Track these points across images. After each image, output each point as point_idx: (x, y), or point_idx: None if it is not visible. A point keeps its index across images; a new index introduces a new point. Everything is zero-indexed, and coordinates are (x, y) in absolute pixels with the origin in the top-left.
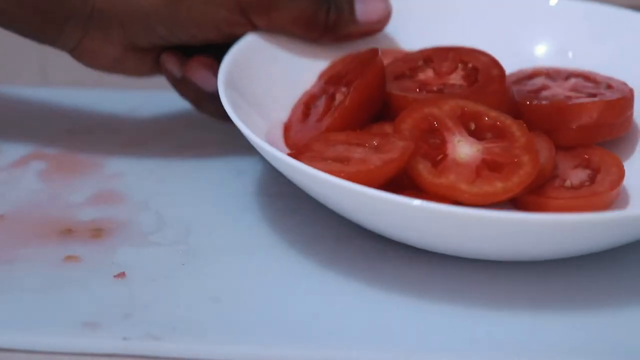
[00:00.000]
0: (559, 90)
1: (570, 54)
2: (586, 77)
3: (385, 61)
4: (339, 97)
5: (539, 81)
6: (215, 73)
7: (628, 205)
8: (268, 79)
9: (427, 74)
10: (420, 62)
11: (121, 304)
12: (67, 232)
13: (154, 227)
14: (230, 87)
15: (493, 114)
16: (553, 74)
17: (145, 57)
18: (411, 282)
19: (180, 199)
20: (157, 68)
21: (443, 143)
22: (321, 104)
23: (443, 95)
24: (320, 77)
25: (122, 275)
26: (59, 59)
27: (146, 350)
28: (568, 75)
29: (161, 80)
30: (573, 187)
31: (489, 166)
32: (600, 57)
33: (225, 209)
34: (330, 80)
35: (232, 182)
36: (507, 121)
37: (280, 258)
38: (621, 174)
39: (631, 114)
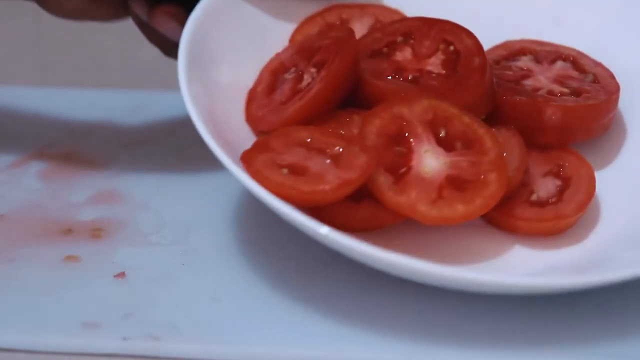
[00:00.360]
0: (542, 80)
1: (559, 23)
2: (574, 60)
3: (367, 19)
4: (306, 78)
5: (523, 63)
6: (182, 23)
7: (597, 222)
8: (237, 38)
9: (405, 55)
10: (400, 38)
11: (121, 304)
12: (67, 232)
13: (154, 227)
14: (192, 62)
15: (466, 119)
16: (540, 54)
17: (112, 4)
18: (408, 290)
19: (180, 199)
20: (126, 12)
21: (409, 152)
22: (289, 78)
23: (417, 89)
24: (292, 38)
25: (122, 275)
26: (59, 59)
27: (146, 350)
28: (556, 56)
29: (161, 81)
30: (539, 204)
31: (453, 183)
32: (589, 29)
33: (225, 208)
34: (302, 51)
35: (232, 181)
36: (480, 130)
37: (280, 257)
38: (591, 192)
39: (613, 115)
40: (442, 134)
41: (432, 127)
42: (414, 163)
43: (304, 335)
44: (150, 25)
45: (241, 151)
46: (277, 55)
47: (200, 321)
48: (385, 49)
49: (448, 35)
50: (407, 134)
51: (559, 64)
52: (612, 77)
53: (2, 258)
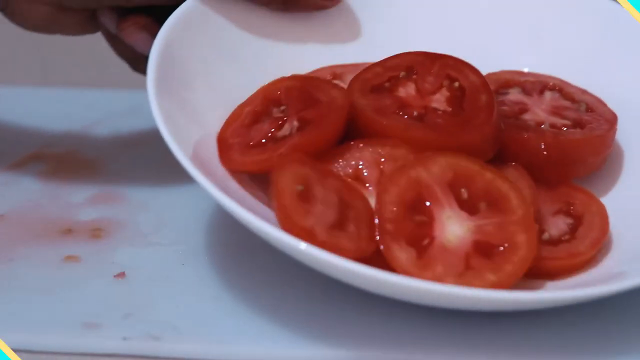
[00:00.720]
0: (539, 113)
1: (540, 42)
2: (560, 89)
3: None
4: (286, 128)
5: (514, 96)
6: (152, 34)
7: (611, 249)
8: (211, 52)
9: (408, 90)
10: (402, 73)
11: (121, 304)
12: (67, 232)
13: (154, 227)
14: (163, 75)
15: (488, 175)
16: (527, 86)
17: (80, 16)
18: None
19: (180, 199)
20: (95, 24)
21: (430, 220)
22: (275, 116)
23: (423, 127)
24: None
25: (122, 275)
26: (59, 59)
27: (146, 350)
28: (542, 87)
29: None
30: (551, 242)
31: (480, 250)
32: (572, 52)
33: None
34: (301, 93)
35: None
36: (503, 187)
37: (280, 258)
38: (604, 228)
39: (611, 148)
40: (463, 194)
41: (453, 187)
42: (436, 232)
43: (304, 335)
44: (119, 37)
45: (214, 162)
46: (281, 80)
47: (200, 321)
48: (387, 84)
49: (452, 71)
50: (426, 200)
51: (548, 94)
52: (604, 104)
53: (2, 258)
